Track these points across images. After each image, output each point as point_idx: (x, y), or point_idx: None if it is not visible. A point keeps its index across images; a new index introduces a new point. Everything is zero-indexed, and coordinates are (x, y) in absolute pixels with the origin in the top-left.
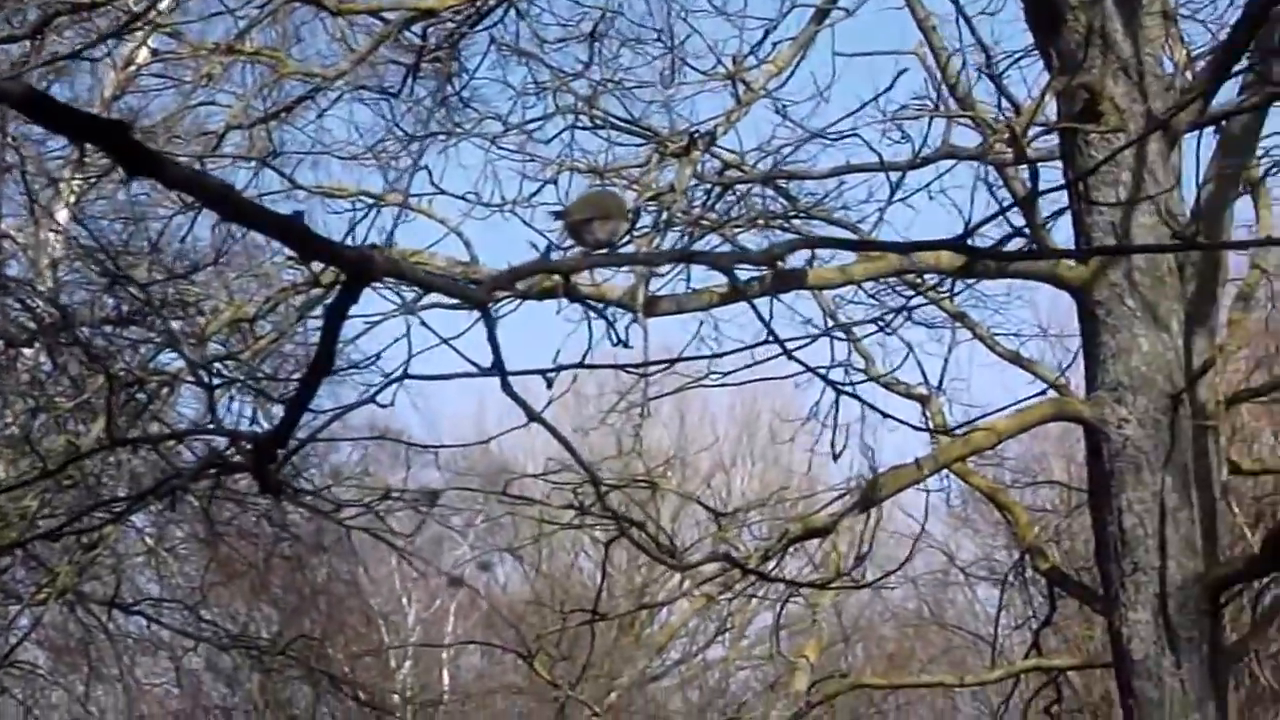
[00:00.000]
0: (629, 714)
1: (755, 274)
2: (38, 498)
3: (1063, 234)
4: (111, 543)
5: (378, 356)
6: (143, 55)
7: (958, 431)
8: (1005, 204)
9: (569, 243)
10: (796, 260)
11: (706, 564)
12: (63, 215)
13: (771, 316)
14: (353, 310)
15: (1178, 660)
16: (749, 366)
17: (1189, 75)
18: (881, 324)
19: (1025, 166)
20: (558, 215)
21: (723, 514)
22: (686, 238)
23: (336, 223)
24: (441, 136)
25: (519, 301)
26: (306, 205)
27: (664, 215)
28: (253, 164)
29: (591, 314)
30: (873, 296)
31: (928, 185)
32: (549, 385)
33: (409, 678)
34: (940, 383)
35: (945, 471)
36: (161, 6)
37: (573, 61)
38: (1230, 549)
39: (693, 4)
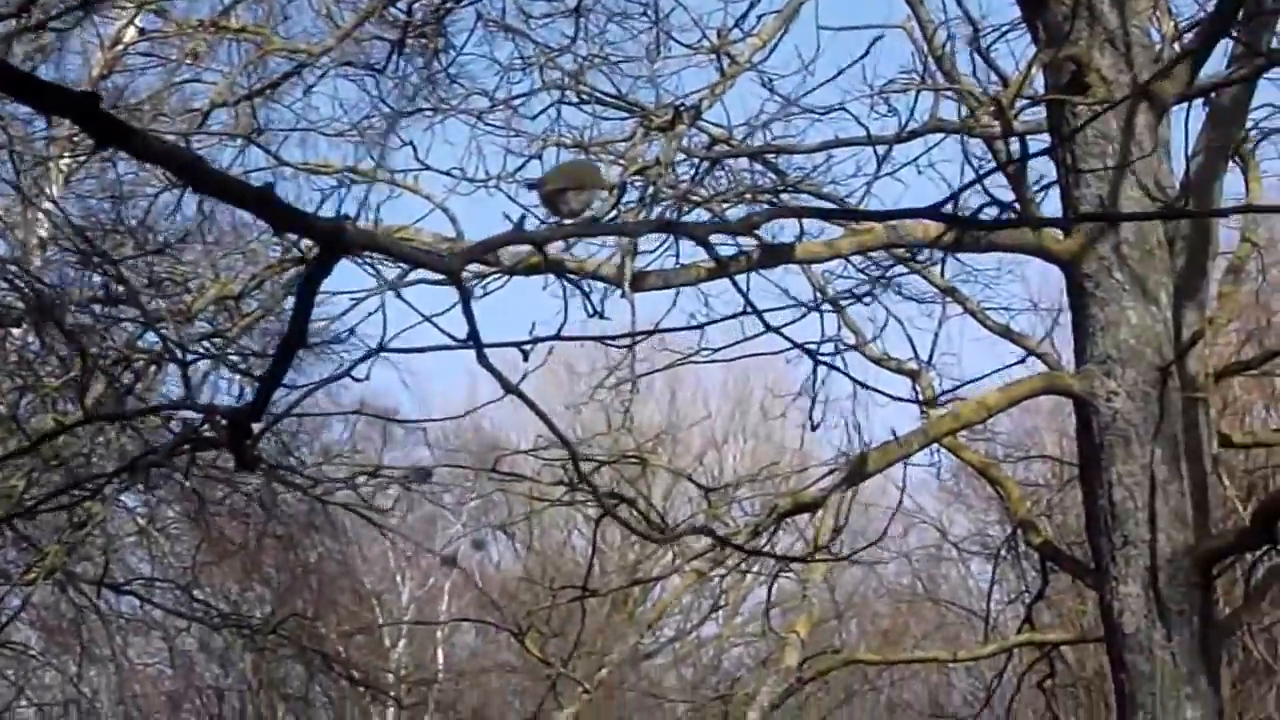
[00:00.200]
0: (622, 691)
1: (742, 249)
2: (25, 477)
3: (1051, 209)
4: (100, 522)
5: (351, 331)
6: (130, 34)
7: (940, 403)
8: (982, 171)
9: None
10: (785, 236)
11: (684, 535)
12: (53, 194)
13: (748, 289)
14: (337, 288)
15: (1168, 633)
16: (739, 342)
17: (1177, 46)
18: (857, 296)
19: (1014, 140)
20: (533, 186)
21: (711, 489)
22: (674, 213)
23: (321, 199)
24: (428, 112)
25: (506, 278)
26: (293, 182)
27: (650, 189)
28: (238, 141)
29: (569, 286)
30: (862, 271)
31: (916, 159)
32: (525, 358)
33: (403, 657)
34: (930, 357)
35: (936, 446)
36: None
37: (559, 36)
38: (1222, 522)
39: None
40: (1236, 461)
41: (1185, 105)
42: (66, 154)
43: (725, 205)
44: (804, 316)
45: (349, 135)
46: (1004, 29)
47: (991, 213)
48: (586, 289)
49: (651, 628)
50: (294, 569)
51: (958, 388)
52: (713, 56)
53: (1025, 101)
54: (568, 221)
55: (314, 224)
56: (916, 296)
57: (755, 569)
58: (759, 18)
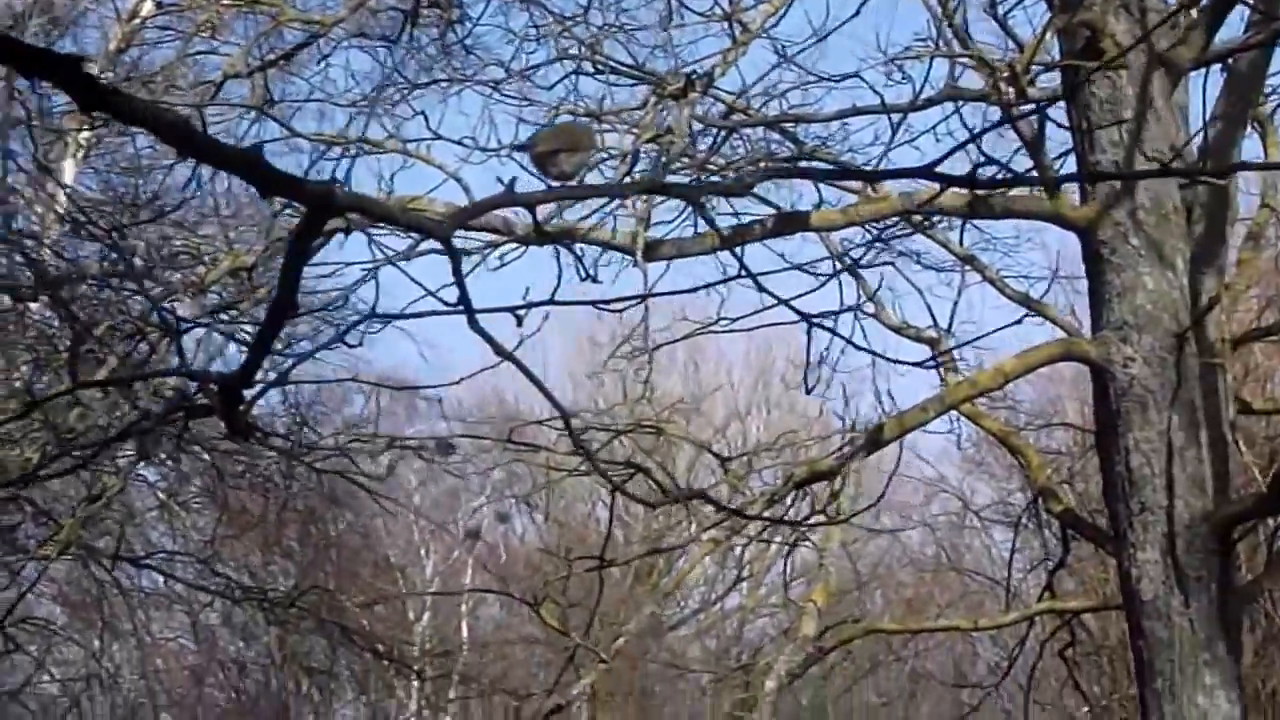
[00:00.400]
0: (645, 662)
1: (757, 217)
2: (39, 450)
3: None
4: (116, 494)
5: (346, 298)
6: (147, 7)
7: (940, 361)
8: (974, 132)
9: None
10: (804, 204)
11: (681, 501)
12: (69, 169)
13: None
14: (346, 258)
15: (1186, 599)
16: (756, 312)
17: (1194, 13)
18: (853, 260)
19: (1032, 107)
20: (524, 147)
21: (728, 458)
22: (695, 182)
23: (332, 170)
24: (443, 83)
25: (521, 249)
26: (305, 155)
27: (663, 158)
28: (251, 113)
29: (562, 251)
30: (882, 240)
31: (934, 127)
32: (519, 323)
33: (427, 629)
34: (950, 325)
35: (957, 415)
36: None
37: (574, 6)
38: (1242, 489)
39: None
40: (1257, 428)
41: (1204, 71)
42: (84, 127)
43: (745, 175)
44: (823, 285)
45: (361, 106)
46: None
47: (985, 173)
48: (579, 253)
49: (669, 598)
50: (316, 543)
51: (964, 345)
52: (725, 24)
53: (1040, 69)
54: (557, 184)
55: (302, 187)
56: (936, 265)
57: (777, 539)
58: None
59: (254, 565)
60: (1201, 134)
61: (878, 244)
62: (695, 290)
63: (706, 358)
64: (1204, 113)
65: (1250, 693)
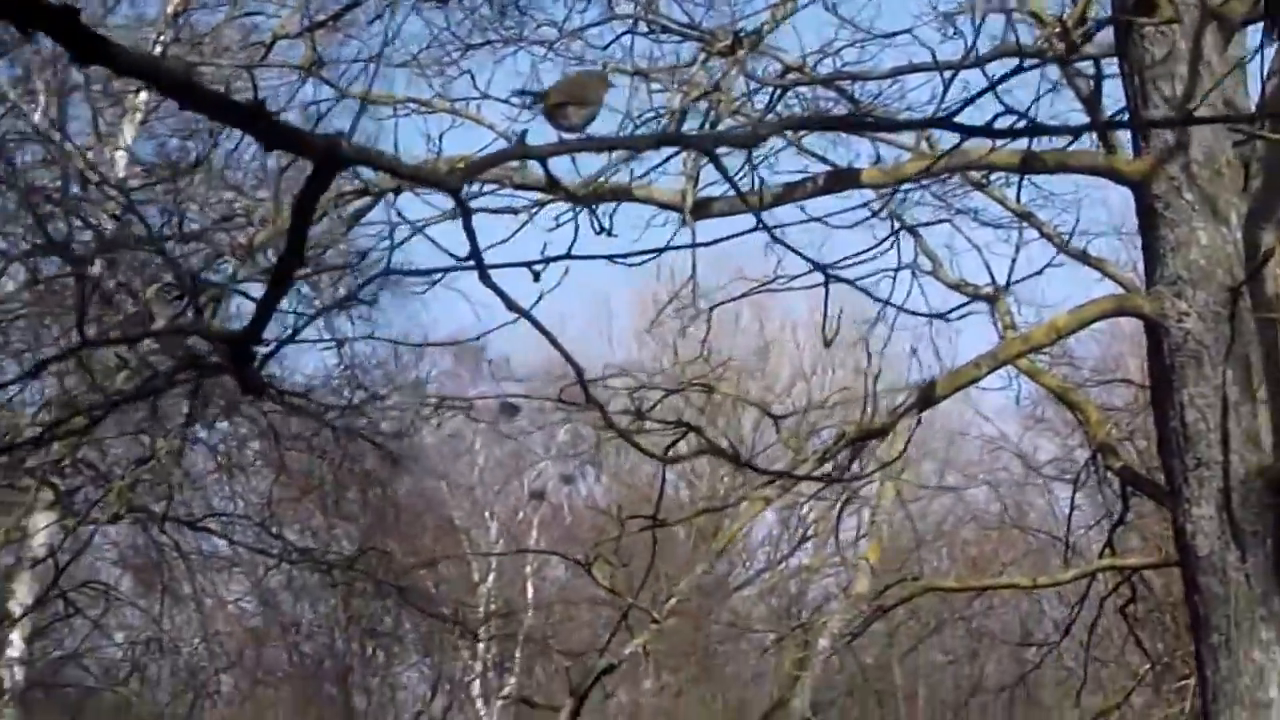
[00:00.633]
0: (708, 622)
1: (808, 174)
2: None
3: (1122, 135)
4: (169, 457)
5: (363, 256)
6: None
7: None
8: (993, 81)
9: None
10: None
11: (694, 457)
12: (129, 132)
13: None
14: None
15: (1242, 554)
16: (809, 272)
17: None
18: (873, 212)
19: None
20: (536, 98)
21: (780, 417)
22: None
23: (384, 130)
24: (497, 44)
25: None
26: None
27: (713, 114)
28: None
29: (575, 205)
30: (938, 198)
31: (994, 85)
32: (536, 278)
33: (491, 590)
34: (1008, 282)
35: (1015, 373)
36: None
37: None
38: None
39: None
40: None
41: (1262, 26)
42: (144, 90)
43: (800, 134)
44: (882, 244)
45: (413, 67)
46: None
47: (1003, 123)
48: (593, 207)
49: (721, 556)
50: (378, 506)
51: (986, 287)
52: None
53: (1094, 24)
54: (569, 136)
55: (308, 141)
56: (993, 222)
57: (828, 497)
58: None
59: (317, 528)
60: (1260, 90)
61: (927, 200)
62: (709, 245)
63: (771, 317)
64: (1262, 68)
65: None
